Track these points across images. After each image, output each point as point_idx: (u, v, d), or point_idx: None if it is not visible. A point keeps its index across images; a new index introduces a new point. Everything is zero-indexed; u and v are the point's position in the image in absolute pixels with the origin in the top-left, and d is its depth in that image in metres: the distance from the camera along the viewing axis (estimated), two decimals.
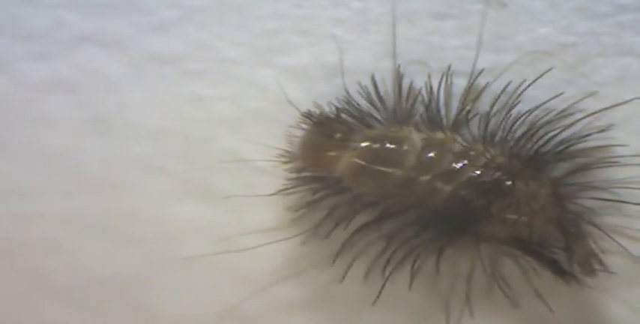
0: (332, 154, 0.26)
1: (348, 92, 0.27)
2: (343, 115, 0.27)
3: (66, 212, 0.28)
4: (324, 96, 0.27)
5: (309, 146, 0.27)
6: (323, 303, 0.27)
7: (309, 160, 0.27)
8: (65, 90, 0.29)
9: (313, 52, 0.27)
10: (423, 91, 0.27)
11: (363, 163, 0.26)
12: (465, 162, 0.25)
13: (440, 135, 0.26)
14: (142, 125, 0.28)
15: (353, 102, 0.27)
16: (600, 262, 0.25)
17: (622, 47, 0.27)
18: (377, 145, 0.26)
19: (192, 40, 0.28)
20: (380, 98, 0.27)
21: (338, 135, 0.26)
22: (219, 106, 0.28)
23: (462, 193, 0.25)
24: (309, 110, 0.27)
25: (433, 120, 0.26)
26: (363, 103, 0.27)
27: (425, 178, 0.25)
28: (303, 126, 0.27)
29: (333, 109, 0.27)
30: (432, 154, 0.26)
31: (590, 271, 0.25)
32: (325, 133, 0.26)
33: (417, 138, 0.26)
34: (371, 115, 0.27)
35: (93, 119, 0.28)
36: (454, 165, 0.25)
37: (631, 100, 0.26)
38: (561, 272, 0.25)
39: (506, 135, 0.26)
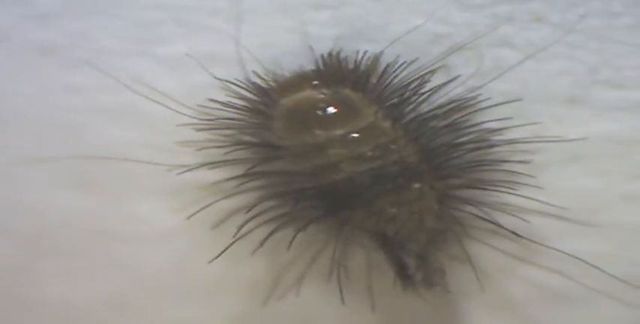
0: (299, 89, 0.27)
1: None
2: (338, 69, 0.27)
3: None
4: (201, 86, 0.27)
5: (296, 76, 0.27)
6: (208, 292, 0.27)
7: (283, 83, 0.27)
8: None
9: (191, 42, 0.27)
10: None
11: (308, 108, 0.26)
12: (381, 153, 0.25)
13: (387, 124, 0.26)
14: (22, 115, 0.27)
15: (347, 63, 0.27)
16: (444, 278, 0.25)
17: (497, 38, 0.27)
18: (332, 103, 0.26)
19: (72, 31, 0.28)
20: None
21: (320, 81, 0.27)
22: (98, 96, 0.28)
23: (359, 179, 0.25)
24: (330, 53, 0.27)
25: (393, 110, 0.26)
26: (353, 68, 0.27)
27: (336, 152, 0.25)
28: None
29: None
30: (358, 135, 0.25)
31: (430, 284, 0.24)
32: (315, 76, 0.27)
33: (366, 119, 0.26)
34: (358, 81, 0.27)
35: None
36: (370, 153, 0.25)
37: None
38: (404, 276, 0.24)
39: (431, 138, 0.26)
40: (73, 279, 0.27)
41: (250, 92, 0.27)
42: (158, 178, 0.28)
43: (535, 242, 0.25)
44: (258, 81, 0.27)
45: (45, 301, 0.27)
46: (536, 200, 0.25)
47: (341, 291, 0.25)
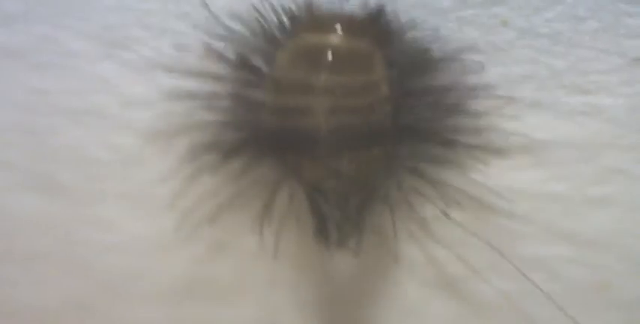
0: (322, 30, 0.25)
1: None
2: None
3: None
4: (167, 90, 0.27)
5: (324, 16, 0.26)
6: (173, 296, 0.27)
7: (309, 19, 0.26)
8: None
9: (157, 46, 0.27)
10: None
11: (321, 47, 0.25)
12: (364, 112, 0.25)
13: (386, 86, 0.25)
14: None
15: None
16: (359, 243, 0.25)
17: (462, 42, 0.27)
18: (346, 50, 0.25)
19: (36, 34, 0.28)
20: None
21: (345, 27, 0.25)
22: (63, 99, 0.27)
23: (327, 129, 0.24)
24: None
25: (399, 75, 0.25)
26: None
27: (321, 98, 0.24)
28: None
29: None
30: (355, 88, 0.24)
31: (343, 245, 0.25)
32: (344, 21, 0.26)
33: (371, 76, 0.25)
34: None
35: None
36: (354, 108, 0.24)
37: None
38: (321, 232, 0.25)
39: (416, 112, 0.26)
40: (40, 283, 0.27)
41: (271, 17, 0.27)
42: (125, 181, 0.28)
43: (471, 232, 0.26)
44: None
45: (10, 305, 0.27)
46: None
47: (261, 225, 0.26)
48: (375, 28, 0.26)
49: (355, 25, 0.26)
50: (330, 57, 0.25)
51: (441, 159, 0.26)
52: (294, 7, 0.27)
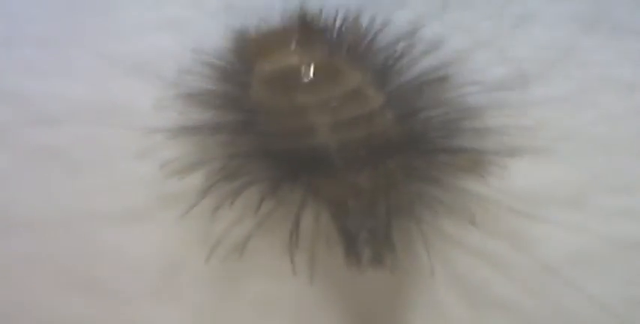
0: (275, 49, 0.25)
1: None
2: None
3: None
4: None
5: (271, 36, 0.26)
6: None
7: (258, 40, 0.26)
8: None
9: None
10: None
11: (288, 71, 0.25)
12: (364, 123, 0.24)
13: (371, 91, 0.25)
14: (26, 219, 0.28)
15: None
16: (393, 259, 0.24)
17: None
18: (314, 66, 0.25)
19: (77, 133, 0.28)
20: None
21: (297, 41, 0.25)
22: (100, 199, 0.28)
23: (334, 147, 0.24)
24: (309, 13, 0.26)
25: (378, 76, 0.25)
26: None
27: (316, 117, 0.24)
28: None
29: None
30: (342, 102, 0.24)
31: (376, 263, 0.24)
32: (290, 36, 0.25)
33: (351, 84, 0.25)
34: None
35: None
36: (351, 121, 0.24)
37: None
38: (352, 251, 0.24)
39: (416, 111, 0.25)
40: None
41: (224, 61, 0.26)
42: (163, 281, 0.28)
43: None
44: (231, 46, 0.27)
45: None
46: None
47: (291, 251, 0.25)
48: (324, 32, 0.26)
49: (304, 35, 0.25)
50: (305, 75, 0.25)
51: (457, 165, 0.26)
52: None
